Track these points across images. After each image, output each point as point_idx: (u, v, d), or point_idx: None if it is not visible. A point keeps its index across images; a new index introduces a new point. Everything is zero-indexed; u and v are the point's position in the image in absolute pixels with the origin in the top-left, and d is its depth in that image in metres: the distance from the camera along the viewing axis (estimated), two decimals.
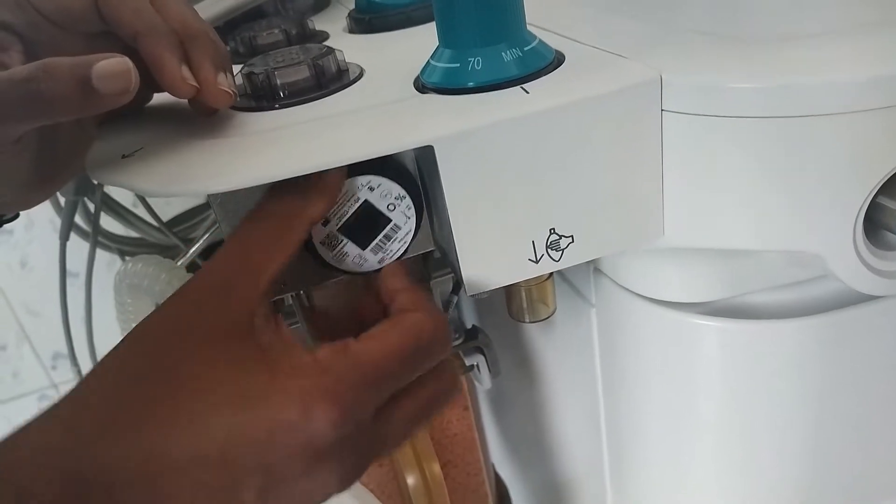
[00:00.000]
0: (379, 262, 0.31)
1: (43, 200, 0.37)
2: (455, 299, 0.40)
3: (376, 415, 0.27)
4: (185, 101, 0.30)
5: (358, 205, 0.30)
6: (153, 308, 0.51)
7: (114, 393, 0.24)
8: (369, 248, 0.31)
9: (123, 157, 0.29)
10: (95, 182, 0.63)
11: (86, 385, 0.25)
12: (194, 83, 0.29)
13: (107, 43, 0.30)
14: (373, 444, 0.28)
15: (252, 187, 0.28)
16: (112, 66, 0.26)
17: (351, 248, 0.31)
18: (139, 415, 0.24)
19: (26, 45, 0.31)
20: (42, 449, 0.23)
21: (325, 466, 0.26)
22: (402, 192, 0.30)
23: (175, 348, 0.25)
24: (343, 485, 0.27)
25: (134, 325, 0.47)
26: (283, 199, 0.28)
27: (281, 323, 0.27)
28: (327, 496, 0.27)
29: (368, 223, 0.31)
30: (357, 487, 0.53)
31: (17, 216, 0.37)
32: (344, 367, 0.26)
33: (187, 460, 0.24)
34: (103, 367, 0.25)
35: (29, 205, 0.36)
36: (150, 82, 0.29)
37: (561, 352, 0.53)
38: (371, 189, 0.30)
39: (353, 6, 0.48)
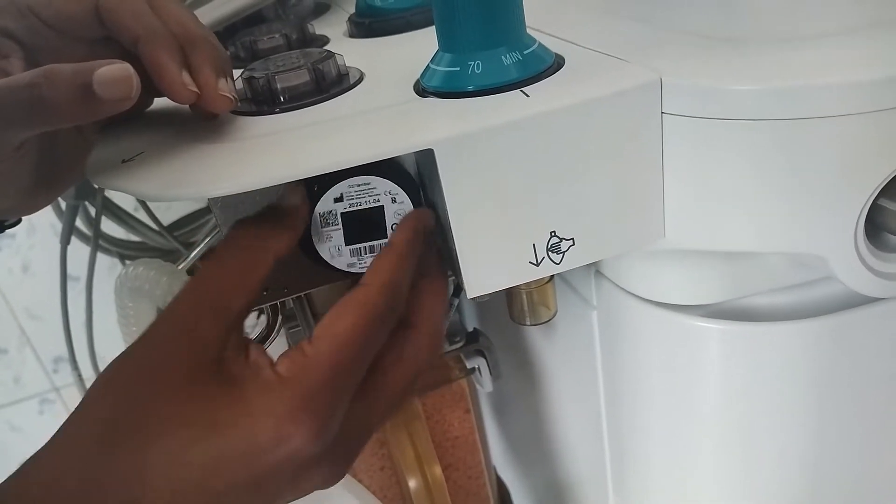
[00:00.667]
0: (348, 265, 0.31)
1: (44, 206, 0.37)
2: (456, 302, 0.40)
3: (356, 396, 0.27)
4: (186, 105, 0.30)
5: (373, 205, 0.30)
6: (154, 312, 0.51)
7: (90, 443, 0.25)
8: (351, 246, 0.31)
9: (124, 161, 0.29)
10: (96, 186, 0.63)
11: (65, 434, 0.25)
12: (194, 88, 0.29)
13: (107, 49, 0.30)
14: (360, 429, 0.28)
15: (252, 191, 0.28)
16: (113, 72, 0.26)
17: (337, 237, 0.31)
18: (118, 461, 0.24)
19: (27, 52, 0.31)
20: (35, 493, 0.24)
21: (315, 469, 0.26)
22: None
23: (145, 392, 0.25)
24: (337, 478, 0.28)
25: (134, 330, 0.46)
26: (248, 233, 0.29)
27: (251, 348, 0.27)
28: (323, 487, 0.27)
29: (367, 227, 0.31)
30: (359, 489, 0.53)
31: (19, 221, 0.37)
32: (305, 375, 0.26)
33: (170, 497, 0.24)
34: (79, 415, 0.25)
35: (30, 210, 0.36)
36: (151, 87, 0.29)
37: (562, 354, 0.53)
38: (394, 201, 0.30)
39: (353, 10, 0.48)
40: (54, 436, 0.25)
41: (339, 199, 0.30)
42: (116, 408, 0.25)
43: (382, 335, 0.29)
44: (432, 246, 0.32)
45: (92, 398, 0.26)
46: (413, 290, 0.30)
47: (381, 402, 0.29)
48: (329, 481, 0.27)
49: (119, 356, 0.26)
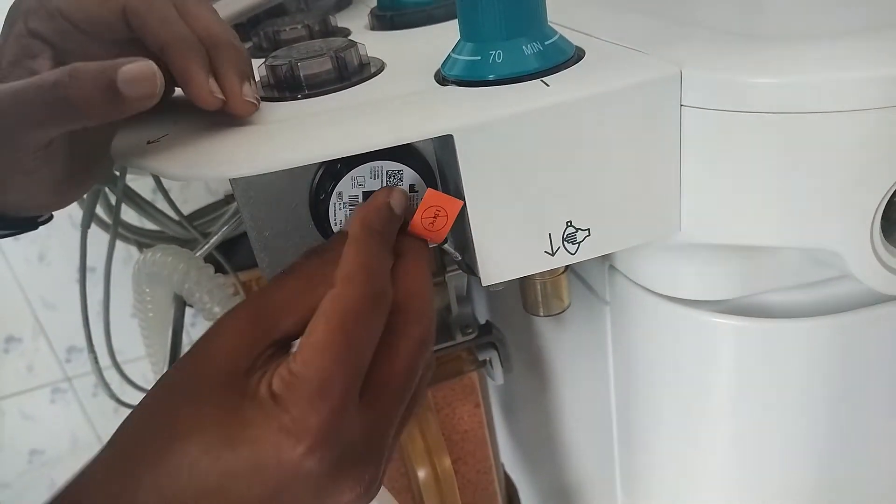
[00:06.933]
0: None
1: (75, 200, 0.37)
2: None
3: (361, 401, 0.27)
4: None
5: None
6: (171, 298, 0.51)
7: (123, 443, 0.26)
8: None
9: (149, 142, 0.30)
10: (117, 172, 0.64)
11: (112, 439, 0.26)
12: (220, 96, 0.29)
13: (136, 50, 0.30)
14: (375, 434, 0.27)
15: (275, 173, 0.28)
16: (138, 70, 0.26)
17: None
18: (142, 460, 0.25)
19: (56, 53, 0.31)
20: (77, 489, 0.25)
21: (335, 484, 0.26)
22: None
23: (177, 398, 0.26)
24: (369, 488, 0.27)
25: (151, 316, 0.47)
26: (313, 261, 0.28)
27: (280, 365, 0.26)
28: (359, 501, 0.27)
29: None
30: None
31: (51, 218, 0.37)
32: (292, 393, 0.25)
33: (192, 496, 0.24)
34: (127, 420, 0.27)
35: (62, 205, 0.36)
36: (173, 80, 0.29)
37: (574, 350, 0.53)
38: (412, 189, 0.31)
39: (374, 4, 0.49)
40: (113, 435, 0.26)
41: (359, 183, 0.30)
42: (152, 412, 0.26)
43: (370, 328, 0.27)
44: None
45: (140, 404, 0.27)
46: (392, 272, 0.29)
47: (388, 400, 0.28)
48: (362, 495, 0.27)
49: (173, 366, 0.27)
